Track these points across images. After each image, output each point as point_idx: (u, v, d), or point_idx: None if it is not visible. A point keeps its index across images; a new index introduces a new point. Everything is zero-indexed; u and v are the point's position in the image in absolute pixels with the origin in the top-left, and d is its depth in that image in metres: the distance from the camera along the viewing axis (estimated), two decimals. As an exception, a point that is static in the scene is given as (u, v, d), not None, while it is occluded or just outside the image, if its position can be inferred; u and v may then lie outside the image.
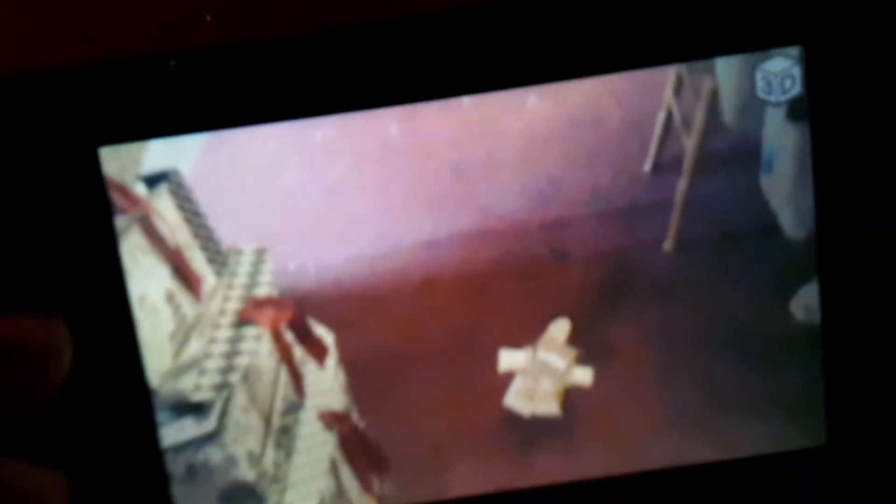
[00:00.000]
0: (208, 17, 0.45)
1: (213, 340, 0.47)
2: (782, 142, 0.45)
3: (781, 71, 0.45)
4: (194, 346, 0.47)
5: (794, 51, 0.44)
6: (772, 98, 0.45)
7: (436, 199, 0.46)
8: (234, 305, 0.47)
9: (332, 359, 0.47)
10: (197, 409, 0.47)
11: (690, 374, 0.48)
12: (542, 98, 0.45)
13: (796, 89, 0.45)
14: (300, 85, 0.43)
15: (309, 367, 0.48)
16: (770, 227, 0.46)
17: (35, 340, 0.27)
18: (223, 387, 0.47)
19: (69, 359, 0.28)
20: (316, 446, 0.48)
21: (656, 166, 0.46)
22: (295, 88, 0.44)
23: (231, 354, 0.47)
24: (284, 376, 0.48)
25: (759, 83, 0.45)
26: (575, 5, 0.44)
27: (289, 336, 0.47)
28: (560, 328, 0.47)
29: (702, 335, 0.48)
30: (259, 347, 0.47)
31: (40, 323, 0.27)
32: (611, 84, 0.45)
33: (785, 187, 0.46)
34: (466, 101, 0.44)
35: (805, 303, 0.47)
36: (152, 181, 0.45)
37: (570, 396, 0.48)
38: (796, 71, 0.45)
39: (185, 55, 0.43)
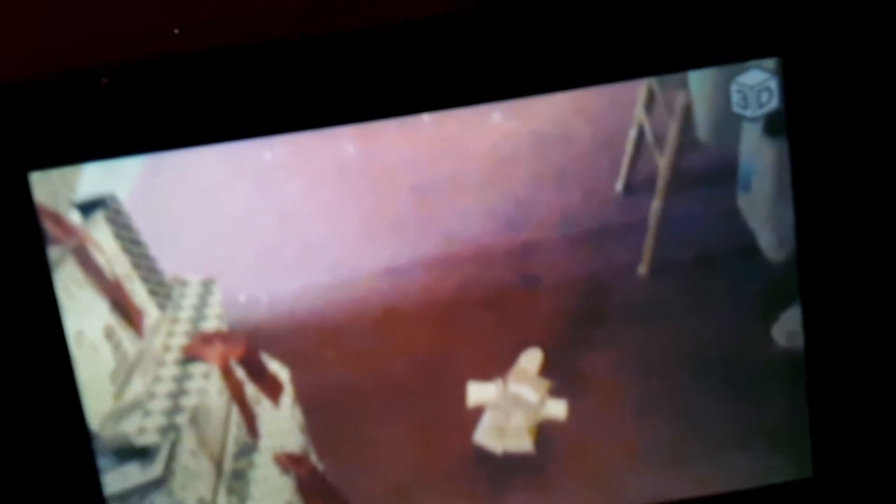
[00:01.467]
0: (176, 31, 0.44)
1: (157, 379, 0.45)
2: (760, 158, 0.45)
3: (758, 84, 0.44)
4: (137, 386, 0.45)
5: (771, 62, 0.44)
6: (748, 113, 0.45)
7: (396, 223, 0.45)
8: (179, 341, 0.45)
9: (287, 396, 0.46)
10: (142, 454, 0.46)
11: (669, 405, 0.47)
12: (507, 115, 0.44)
13: (774, 103, 0.44)
14: (248, 101, 0.42)
15: (263, 405, 0.46)
16: (749, 248, 0.46)
17: None
18: (169, 429, 0.46)
19: None
20: (272, 491, 0.47)
21: (629, 186, 0.45)
22: (242, 105, 0.42)
23: (177, 394, 0.46)
24: (236, 416, 0.47)
25: (735, 97, 0.44)
26: (539, 17, 0.43)
27: (240, 372, 0.46)
28: (531, 359, 0.47)
29: (680, 364, 0.47)
30: (208, 386, 0.46)
31: None
32: (579, 99, 0.44)
33: (764, 206, 0.45)
34: (427, 118, 0.44)
35: (787, 328, 0.46)
36: (87, 208, 0.44)
37: (544, 431, 0.47)
38: (773, 83, 0.44)
39: (120, 70, 0.41)
